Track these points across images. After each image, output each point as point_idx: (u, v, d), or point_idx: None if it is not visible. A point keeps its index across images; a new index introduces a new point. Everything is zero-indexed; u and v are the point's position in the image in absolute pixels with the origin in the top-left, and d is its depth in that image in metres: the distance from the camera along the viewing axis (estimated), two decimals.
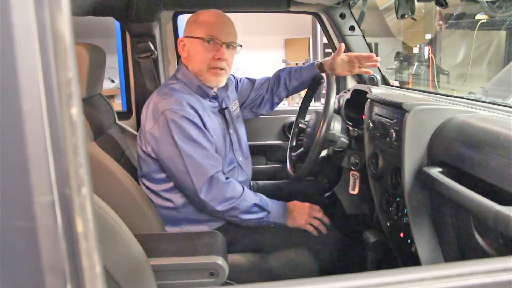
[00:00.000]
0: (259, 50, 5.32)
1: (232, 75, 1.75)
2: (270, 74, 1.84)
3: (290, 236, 1.42)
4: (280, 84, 1.76)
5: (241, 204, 1.33)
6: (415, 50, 4.27)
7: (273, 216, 1.39)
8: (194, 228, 1.41)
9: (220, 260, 1.06)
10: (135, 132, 1.82)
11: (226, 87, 1.55)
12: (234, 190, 1.33)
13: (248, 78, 1.80)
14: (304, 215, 1.42)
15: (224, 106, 1.56)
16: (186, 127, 1.30)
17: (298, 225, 1.41)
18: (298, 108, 1.81)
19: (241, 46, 1.47)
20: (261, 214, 1.37)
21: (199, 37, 1.39)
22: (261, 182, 1.83)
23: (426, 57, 4.13)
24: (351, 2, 2.01)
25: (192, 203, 1.37)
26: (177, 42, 1.47)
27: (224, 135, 1.49)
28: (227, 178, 1.36)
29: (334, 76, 1.55)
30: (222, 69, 1.42)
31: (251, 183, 1.71)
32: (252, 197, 1.36)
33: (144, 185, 1.41)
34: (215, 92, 1.49)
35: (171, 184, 1.38)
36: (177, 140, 1.29)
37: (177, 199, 1.38)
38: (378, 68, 2.09)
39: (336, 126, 1.49)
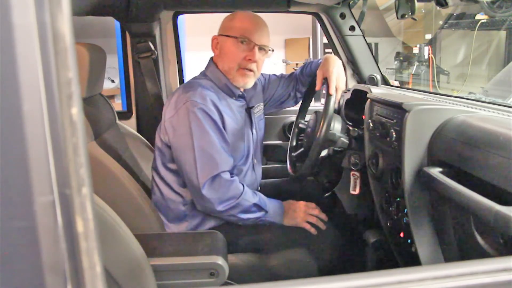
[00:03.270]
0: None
1: (261, 73, 1.76)
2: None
3: (290, 236, 1.42)
4: (299, 81, 1.77)
5: (241, 203, 1.33)
6: (415, 50, 4.27)
7: (270, 215, 1.39)
8: (198, 224, 1.41)
9: (220, 260, 1.06)
10: (135, 132, 1.82)
11: (254, 86, 1.57)
12: (235, 189, 1.33)
13: (275, 75, 1.81)
14: (300, 213, 1.42)
15: (251, 105, 1.57)
16: (204, 121, 1.31)
17: (296, 224, 1.41)
18: (298, 108, 1.81)
19: (273, 50, 1.48)
20: (259, 214, 1.37)
21: (232, 36, 1.41)
22: (261, 181, 1.83)
23: (426, 57, 4.14)
24: (351, 2, 2.01)
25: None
26: (212, 39, 1.49)
27: (248, 133, 1.51)
28: (232, 176, 1.35)
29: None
30: (251, 70, 1.44)
31: None
32: (251, 197, 1.36)
33: (159, 176, 1.42)
34: (241, 92, 1.50)
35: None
36: (193, 132, 1.29)
37: (188, 193, 1.39)
38: (378, 68, 2.09)
39: (336, 126, 1.49)
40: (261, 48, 1.44)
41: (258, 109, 1.66)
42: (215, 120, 1.34)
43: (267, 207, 1.38)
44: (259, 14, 1.51)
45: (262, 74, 1.76)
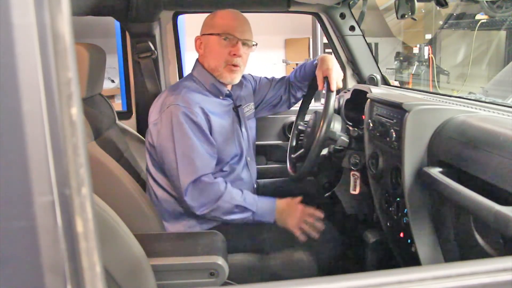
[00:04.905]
0: (259, 50, 5.30)
1: (252, 75, 1.77)
2: (270, 74, 1.84)
3: (290, 236, 1.42)
4: (293, 85, 1.77)
5: (221, 205, 1.32)
6: (415, 50, 4.28)
7: (258, 215, 1.37)
8: (196, 223, 1.41)
9: (220, 260, 1.06)
10: (135, 132, 1.82)
11: (240, 85, 1.57)
12: (215, 193, 1.32)
13: (266, 78, 1.82)
14: (295, 218, 1.38)
15: (238, 104, 1.58)
16: (186, 125, 1.31)
17: (287, 227, 1.38)
18: (298, 109, 1.80)
19: (256, 44, 1.49)
20: (243, 215, 1.35)
21: (215, 33, 1.42)
22: (261, 181, 1.83)
23: (426, 57, 4.14)
24: (351, 2, 2.01)
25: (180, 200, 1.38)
26: (195, 40, 1.50)
27: (237, 132, 1.51)
28: (215, 178, 1.35)
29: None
30: (237, 65, 1.45)
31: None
32: (234, 198, 1.34)
33: (152, 178, 1.42)
34: (228, 90, 1.50)
35: None
36: (175, 136, 1.30)
37: None
38: (378, 68, 2.09)
39: (336, 126, 1.49)
40: (245, 43, 1.45)
41: (248, 109, 1.67)
42: (198, 123, 1.33)
43: (254, 207, 1.36)
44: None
45: (253, 76, 1.77)
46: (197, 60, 1.51)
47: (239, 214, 1.35)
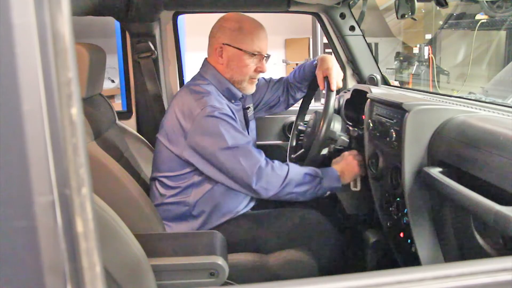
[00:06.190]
0: None
1: None
2: (270, 74, 1.83)
3: (290, 236, 1.42)
4: (292, 86, 1.78)
5: (292, 178, 1.34)
6: (415, 50, 4.27)
7: (327, 180, 1.40)
8: (198, 225, 1.41)
9: (220, 260, 1.06)
10: (135, 132, 1.82)
11: None
12: (281, 169, 1.35)
13: (263, 79, 1.82)
14: (355, 162, 1.44)
15: (246, 105, 1.61)
16: (229, 121, 1.34)
17: (359, 175, 1.45)
18: (298, 109, 1.80)
19: (269, 55, 1.52)
20: (314, 182, 1.38)
21: (248, 51, 1.43)
22: None
23: (426, 57, 4.13)
24: (351, 2, 2.01)
25: (214, 195, 1.40)
26: (214, 46, 1.46)
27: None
28: (272, 161, 1.39)
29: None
30: (256, 78, 1.51)
31: None
32: (300, 169, 1.38)
33: (162, 183, 1.42)
34: (242, 95, 1.53)
35: (191, 180, 1.40)
36: (224, 133, 1.31)
37: (189, 196, 1.40)
38: (378, 68, 2.09)
39: (336, 125, 1.49)
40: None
41: (249, 110, 1.68)
42: (235, 120, 1.38)
43: (321, 174, 1.39)
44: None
45: None
46: (208, 63, 1.49)
47: (310, 184, 1.37)
